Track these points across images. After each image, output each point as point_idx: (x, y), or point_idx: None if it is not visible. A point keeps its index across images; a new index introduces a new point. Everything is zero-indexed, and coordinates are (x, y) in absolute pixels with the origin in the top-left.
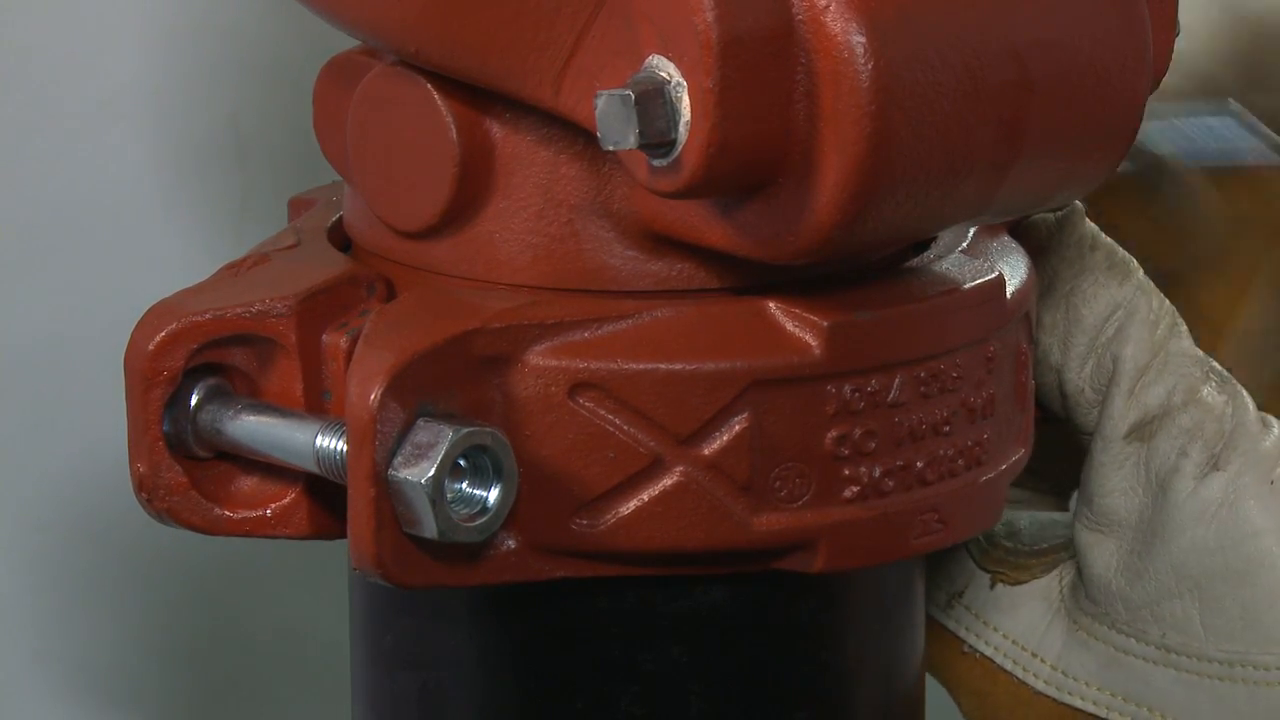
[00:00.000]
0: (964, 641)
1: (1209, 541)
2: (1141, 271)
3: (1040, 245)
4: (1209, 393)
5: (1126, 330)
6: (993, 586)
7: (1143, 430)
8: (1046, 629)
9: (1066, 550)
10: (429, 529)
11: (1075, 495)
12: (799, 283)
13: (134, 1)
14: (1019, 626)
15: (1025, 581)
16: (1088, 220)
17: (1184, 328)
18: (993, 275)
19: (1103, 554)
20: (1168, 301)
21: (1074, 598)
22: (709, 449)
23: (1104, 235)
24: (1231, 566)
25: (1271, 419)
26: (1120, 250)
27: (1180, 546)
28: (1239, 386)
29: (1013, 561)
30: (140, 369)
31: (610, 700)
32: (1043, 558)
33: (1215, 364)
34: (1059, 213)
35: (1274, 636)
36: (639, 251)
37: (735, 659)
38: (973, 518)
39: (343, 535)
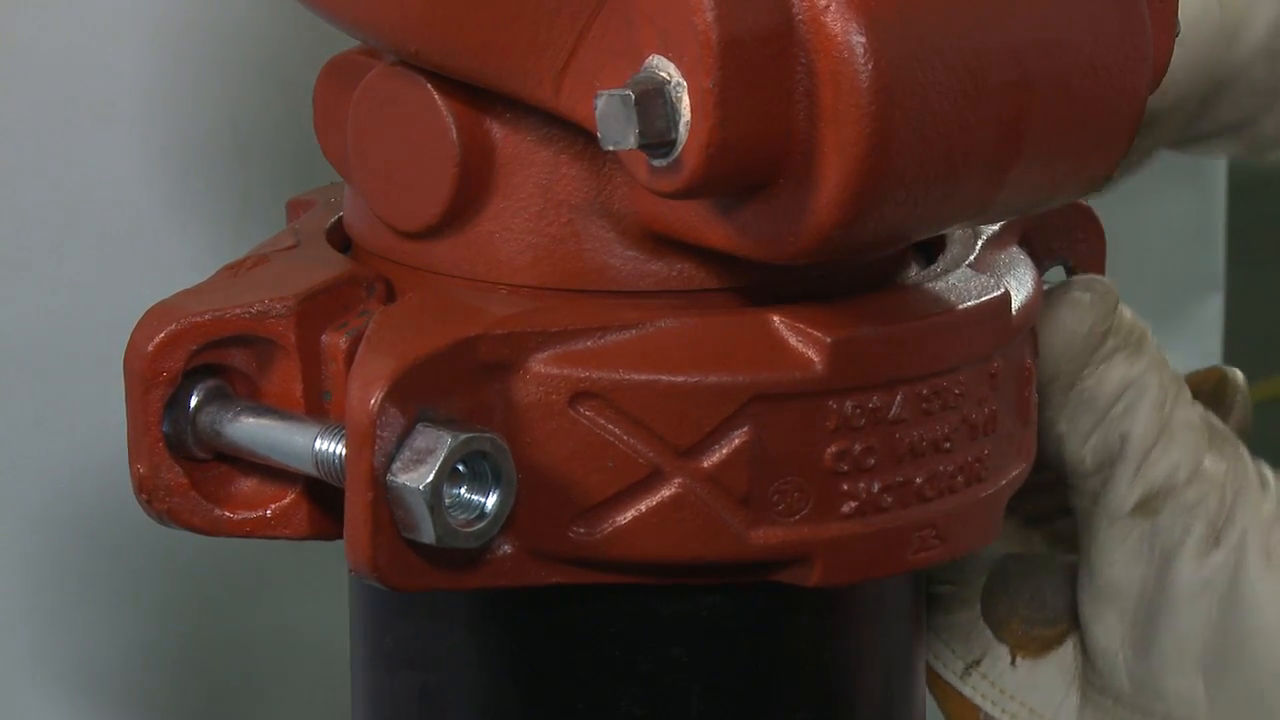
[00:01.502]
0: (981, 710)
1: (1212, 617)
2: (1153, 343)
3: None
4: (1211, 462)
5: (1136, 409)
6: (1013, 662)
7: (1147, 506)
8: (1064, 698)
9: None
10: (427, 534)
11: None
12: (803, 297)
13: (134, 1)
14: (1037, 695)
15: (1044, 656)
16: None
17: (1187, 394)
18: (998, 292)
19: (1106, 626)
20: (1172, 368)
21: (1087, 667)
22: (708, 461)
23: (1124, 308)
24: (1234, 641)
25: (1270, 474)
26: (1134, 323)
27: (1183, 623)
28: (1239, 446)
29: (1030, 634)
30: (140, 370)
31: (610, 700)
32: (1058, 626)
33: (1216, 422)
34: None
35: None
36: (639, 252)
37: (735, 660)
38: (971, 533)
39: (342, 536)
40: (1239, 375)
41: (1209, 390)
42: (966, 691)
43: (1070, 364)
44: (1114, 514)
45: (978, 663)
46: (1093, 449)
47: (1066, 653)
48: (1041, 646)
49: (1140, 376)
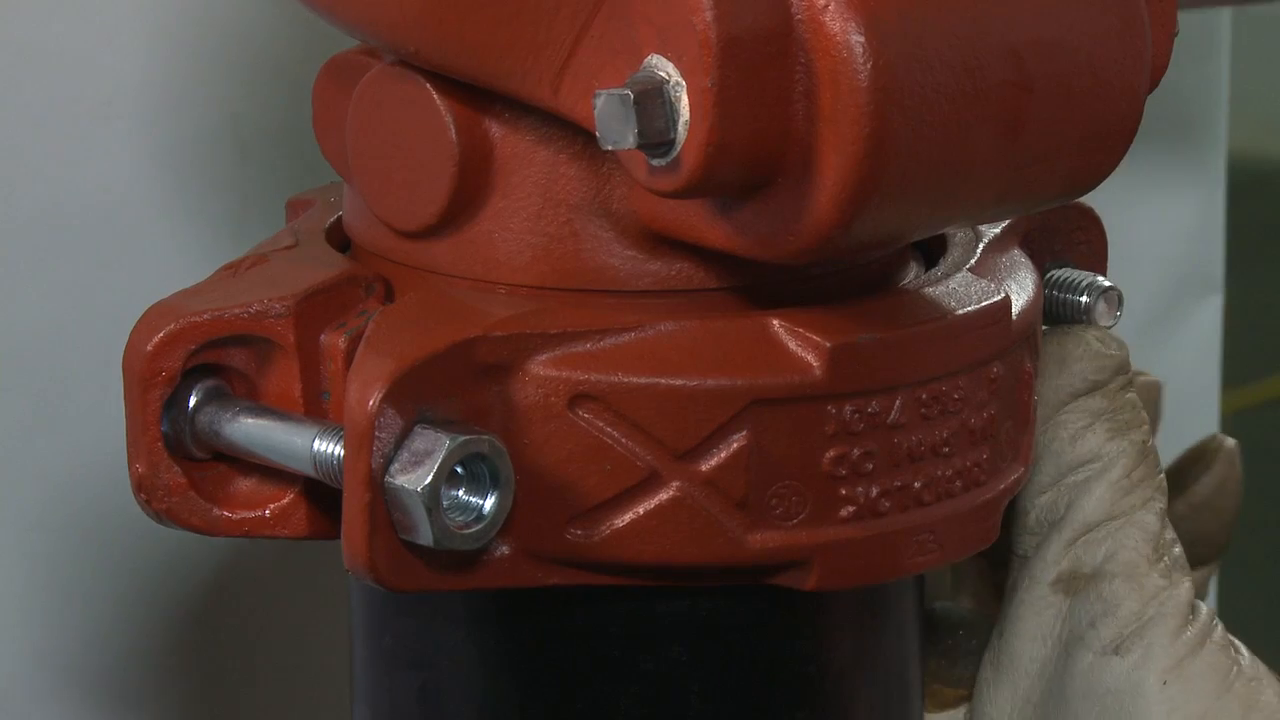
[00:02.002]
0: None
1: None
2: (1145, 431)
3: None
4: (1148, 573)
5: (1092, 485)
6: None
7: (1070, 584)
8: None
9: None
10: (425, 536)
11: None
12: (803, 298)
13: (134, 1)
14: None
15: (936, 713)
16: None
17: (1160, 504)
18: (998, 298)
19: (999, 697)
20: (1161, 475)
21: None
22: (706, 465)
23: (1136, 397)
24: None
25: (1203, 612)
26: (1132, 408)
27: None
28: (1185, 578)
29: (929, 686)
30: (139, 370)
31: (610, 700)
32: (959, 690)
33: (1177, 550)
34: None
35: None
36: (638, 251)
37: (735, 659)
38: (968, 538)
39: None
40: (1230, 444)
41: (1200, 449)
42: None
43: (1051, 392)
44: (1036, 578)
45: None
46: (1040, 505)
47: (959, 716)
48: (936, 704)
49: (1110, 455)
